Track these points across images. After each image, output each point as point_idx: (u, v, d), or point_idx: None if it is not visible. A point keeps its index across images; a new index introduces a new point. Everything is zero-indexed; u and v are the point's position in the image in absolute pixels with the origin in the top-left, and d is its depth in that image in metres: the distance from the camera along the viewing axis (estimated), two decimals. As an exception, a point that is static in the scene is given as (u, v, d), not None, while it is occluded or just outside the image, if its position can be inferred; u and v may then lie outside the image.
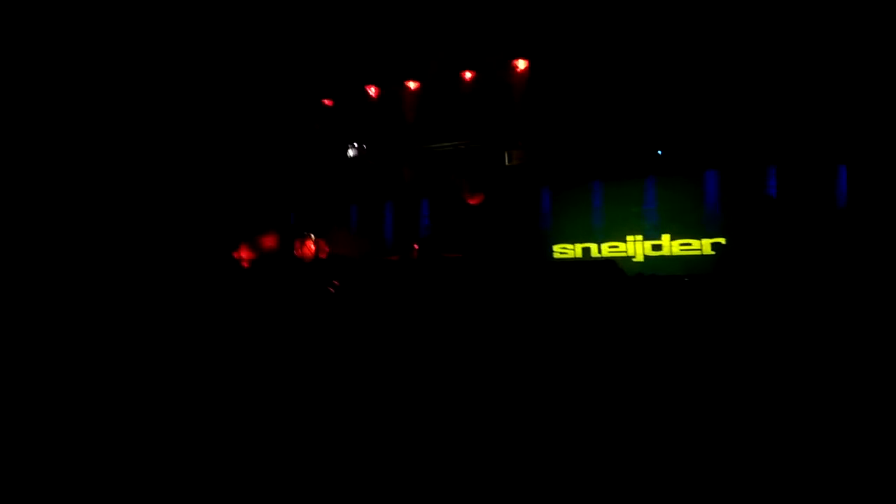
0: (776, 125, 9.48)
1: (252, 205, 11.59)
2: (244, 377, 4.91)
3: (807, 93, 9.12)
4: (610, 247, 11.12)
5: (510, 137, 10.68)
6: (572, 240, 11.40)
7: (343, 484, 2.94)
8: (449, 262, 8.40)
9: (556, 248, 11.47)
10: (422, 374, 5.01)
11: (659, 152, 10.47)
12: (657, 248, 10.76)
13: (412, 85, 11.06)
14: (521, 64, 10.28)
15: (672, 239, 10.66)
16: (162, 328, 6.41)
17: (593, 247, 11.24)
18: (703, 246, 10.34)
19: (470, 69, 10.62)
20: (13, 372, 4.58)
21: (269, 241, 12.01)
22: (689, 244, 10.50)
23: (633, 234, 10.99)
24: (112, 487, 2.90)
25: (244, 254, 11.65)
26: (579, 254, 11.28)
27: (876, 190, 9.01)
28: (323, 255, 11.41)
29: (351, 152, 11.35)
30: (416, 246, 9.61)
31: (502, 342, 5.68)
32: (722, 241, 10.20)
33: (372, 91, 11.22)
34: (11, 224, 7.84)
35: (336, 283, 8.15)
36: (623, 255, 10.92)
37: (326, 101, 11.51)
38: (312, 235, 11.75)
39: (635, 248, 10.95)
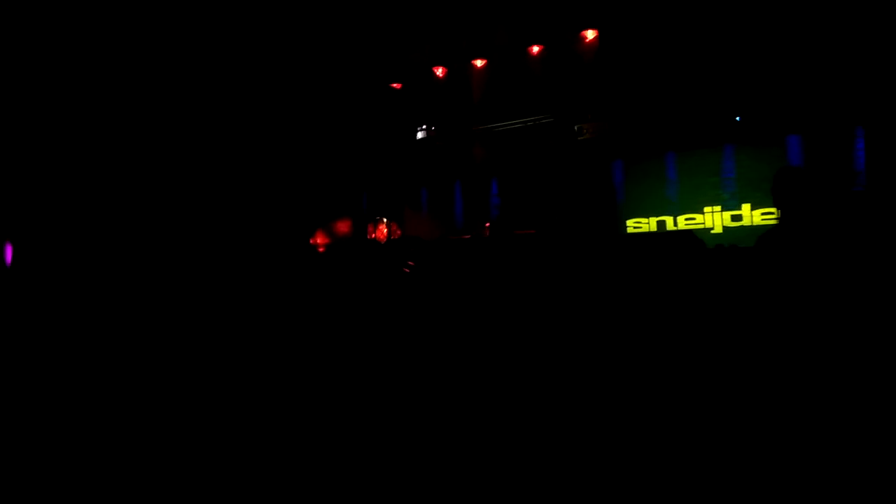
0: (862, 82, 8.93)
1: (326, 191, 11.87)
2: (322, 359, 5.05)
3: (892, 46, 8.55)
4: (686, 219, 10.81)
5: (580, 111, 10.49)
6: (646, 213, 11.14)
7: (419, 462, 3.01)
8: (521, 238, 8.38)
9: (629, 222, 11.24)
10: (497, 350, 5.03)
11: (737, 119, 10.06)
12: (737, 218, 10.38)
13: (479, 63, 11.01)
14: (590, 34, 10.05)
15: (753, 209, 10.26)
16: (243, 316, 6.64)
17: (668, 220, 10.95)
18: (788, 214, 9.92)
19: (537, 43, 10.45)
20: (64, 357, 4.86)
21: (343, 227, 12.31)
22: (772, 213, 10.08)
23: (711, 204, 10.64)
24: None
25: (320, 240, 12.00)
26: (654, 227, 11.02)
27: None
28: (396, 238, 11.61)
29: (420, 134, 11.42)
30: (487, 224, 9.63)
31: (576, 319, 5.63)
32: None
33: (439, 72, 11.24)
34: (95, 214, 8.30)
35: (411, 263, 8.25)
36: (701, 226, 10.59)
37: (395, 85, 11.61)
38: (385, 219, 11.96)
39: (713, 219, 10.61)
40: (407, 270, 8.20)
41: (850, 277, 3.17)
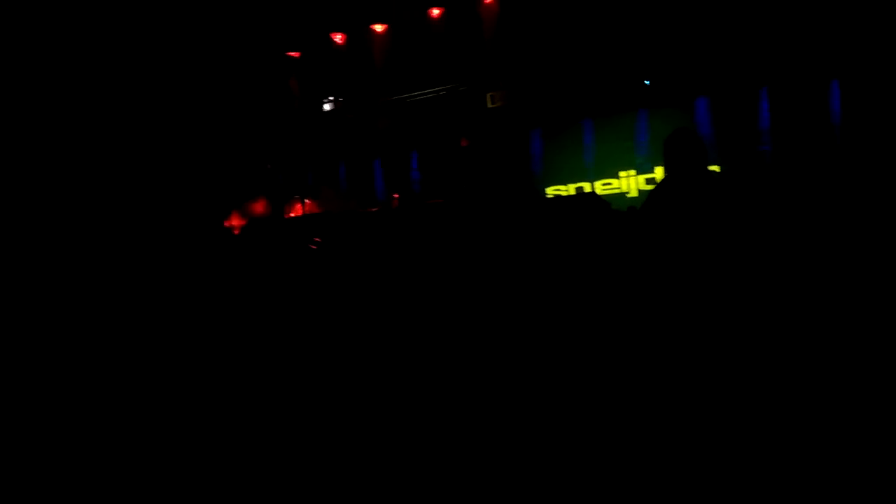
0: (764, 44, 9.09)
1: (237, 172, 11.46)
2: (247, 342, 4.93)
3: (793, 7, 8.73)
4: (603, 184, 10.85)
5: (490, 78, 10.32)
6: (565, 180, 11.13)
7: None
8: (430, 208, 8.25)
9: (549, 189, 11.22)
10: (402, 320, 4.97)
11: (646, 83, 10.11)
12: (651, 181, 10.46)
13: (379, 28, 10.62)
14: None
15: (666, 171, 10.36)
16: (162, 307, 6.40)
17: (586, 186, 10.96)
18: (699, 175, 10.05)
19: (437, 6, 10.17)
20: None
21: (259, 207, 11.95)
22: (683, 175, 10.18)
23: (626, 169, 10.70)
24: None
25: (235, 221, 11.61)
26: (573, 193, 11.02)
27: (871, 103, 8.68)
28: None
29: (327, 106, 11.03)
30: (395, 196, 9.44)
31: (482, 284, 5.57)
32: (717, 168, 9.89)
33: (338, 38, 10.80)
34: None
35: (317, 239, 8.06)
36: (617, 191, 10.66)
37: (293, 53, 11.08)
38: (301, 197, 11.63)
39: (629, 183, 10.69)
40: (314, 247, 8.00)
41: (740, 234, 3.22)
